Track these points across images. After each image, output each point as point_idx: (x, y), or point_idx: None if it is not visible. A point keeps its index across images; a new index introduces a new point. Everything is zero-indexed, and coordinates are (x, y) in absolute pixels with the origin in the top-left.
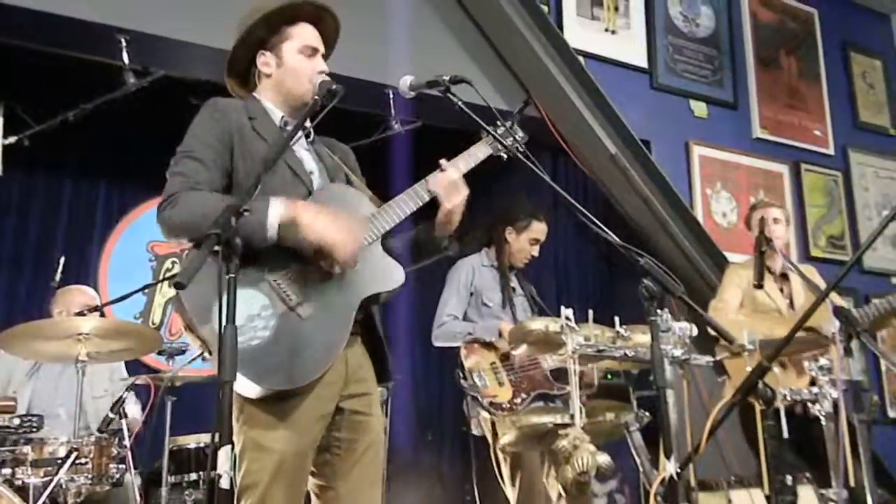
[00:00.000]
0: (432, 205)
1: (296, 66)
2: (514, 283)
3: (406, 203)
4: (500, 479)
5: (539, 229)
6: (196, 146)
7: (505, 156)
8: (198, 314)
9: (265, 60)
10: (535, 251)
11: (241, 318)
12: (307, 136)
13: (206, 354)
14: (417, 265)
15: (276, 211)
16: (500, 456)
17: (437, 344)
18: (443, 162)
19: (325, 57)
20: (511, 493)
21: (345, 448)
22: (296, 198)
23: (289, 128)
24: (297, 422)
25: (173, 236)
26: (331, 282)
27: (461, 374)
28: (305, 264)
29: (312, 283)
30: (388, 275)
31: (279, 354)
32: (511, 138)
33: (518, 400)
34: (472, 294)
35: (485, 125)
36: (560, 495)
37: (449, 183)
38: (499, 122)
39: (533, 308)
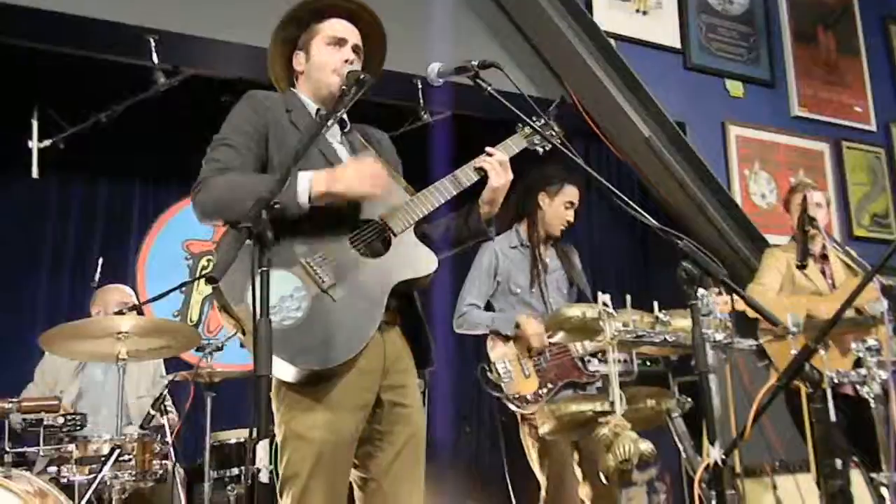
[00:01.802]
0: (464, 196)
1: (322, 58)
2: (549, 256)
3: (445, 188)
4: (531, 464)
5: (572, 192)
6: (230, 133)
7: (541, 149)
8: (232, 294)
9: (298, 59)
10: (571, 216)
11: (274, 299)
12: (342, 127)
13: (241, 335)
14: (456, 249)
15: (306, 177)
16: (529, 442)
17: (458, 331)
18: (489, 148)
19: (369, 49)
20: (541, 478)
21: (386, 440)
22: None
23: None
24: (336, 411)
25: (207, 219)
26: (364, 265)
27: (487, 368)
28: (339, 246)
29: (346, 266)
30: (421, 261)
31: (311, 335)
32: (549, 132)
33: (543, 391)
34: (498, 282)
35: (519, 113)
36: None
37: (498, 162)
38: (535, 117)
39: (571, 283)
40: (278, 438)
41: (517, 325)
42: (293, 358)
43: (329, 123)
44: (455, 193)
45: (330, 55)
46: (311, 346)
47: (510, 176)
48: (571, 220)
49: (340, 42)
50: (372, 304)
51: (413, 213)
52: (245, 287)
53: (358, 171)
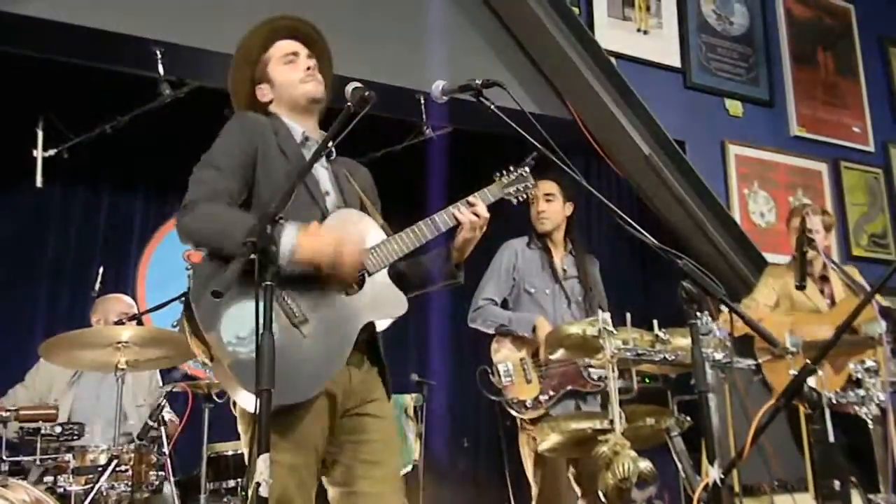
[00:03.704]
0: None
1: (284, 76)
2: (566, 264)
3: (422, 232)
4: (526, 473)
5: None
6: (218, 155)
7: (515, 201)
8: (205, 320)
9: (262, 92)
10: (540, 206)
11: (246, 330)
12: (328, 155)
13: (208, 361)
14: (427, 289)
15: (289, 241)
16: (526, 451)
17: (472, 326)
18: (470, 198)
19: (319, 53)
20: (535, 487)
21: (357, 450)
22: (310, 219)
23: (309, 143)
24: (300, 436)
25: (187, 242)
26: (336, 303)
27: (489, 370)
28: (314, 283)
29: (318, 302)
30: (392, 303)
31: (278, 369)
32: (523, 184)
33: (545, 398)
34: (514, 280)
35: (522, 131)
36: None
37: (474, 214)
38: (511, 170)
39: (586, 292)
40: (247, 461)
41: (534, 328)
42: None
43: (300, 131)
44: (430, 238)
45: (292, 71)
46: (277, 381)
47: (482, 231)
48: (542, 209)
49: (294, 55)
50: (341, 341)
51: (388, 255)
52: (219, 314)
53: (340, 255)
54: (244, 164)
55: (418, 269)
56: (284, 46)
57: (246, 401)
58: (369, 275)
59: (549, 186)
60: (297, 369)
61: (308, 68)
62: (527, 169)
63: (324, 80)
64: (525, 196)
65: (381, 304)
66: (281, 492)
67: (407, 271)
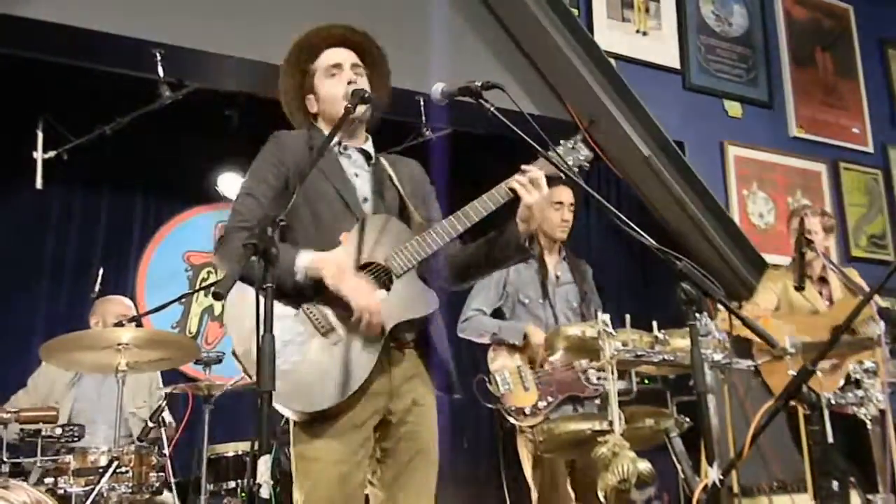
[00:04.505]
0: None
1: (328, 90)
2: (560, 269)
3: (452, 226)
4: (525, 475)
5: (557, 193)
6: (252, 183)
7: (563, 176)
8: (243, 352)
9: (310, 103)
10: (565, 215)
11: (277, 345)
12: (368, 160)
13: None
14: (494, 270)
15: (304, 260)
16: (525, 453)
17: (462, 336)
18: (524, 166)
19: (373, 61)
20: (534, 489)
21: (391, 456)
22: (346, 228)
23: (347, 151)
24: (342, 436)
25: (224, 271)
26: None
27: (486, 379)
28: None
29: (345, 309)
30: (421, 302)
31: (308, 378)
32: (571, 158)
33: (543, 404)
34: (507, 293)
35: (521, 133)
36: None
37: (529, 180)
38: (561, 143)
39: (582, 297)
40: (292, 462)
41: (525, 336)
42: (288, 401)
43: (335, 141)
44: (461, 231)
45: (335, 85)
46: (306, 390)
47: (544, 191)
48: (567, 219)
49: (337, 67)
50: (370, 346)
51: (415, 255)
52: (253, 341)
53: (357, 290)
54: (279, 187)
55: (482, 249)
56: (330, 57)
57: (282, 409)
58: (397, 277)
59: (571, 195)
60: (327, 377)
61: (350, 82)
62: (579, 139)
63: (378, 87)
64: (581, 168)
65: (410, 304)
66: (326, 490)
67: (463, 255)
